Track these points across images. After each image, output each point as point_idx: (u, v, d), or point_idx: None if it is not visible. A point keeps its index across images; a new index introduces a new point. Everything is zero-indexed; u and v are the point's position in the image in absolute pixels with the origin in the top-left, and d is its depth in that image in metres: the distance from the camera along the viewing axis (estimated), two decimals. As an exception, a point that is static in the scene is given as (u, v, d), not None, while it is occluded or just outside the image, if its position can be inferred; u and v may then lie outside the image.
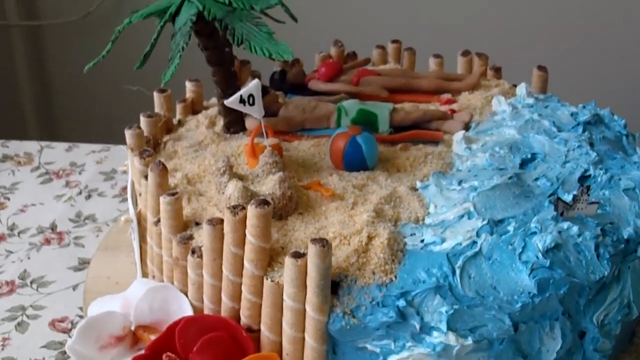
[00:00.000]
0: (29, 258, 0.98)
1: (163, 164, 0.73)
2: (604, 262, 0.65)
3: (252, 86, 0.73)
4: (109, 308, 0.72)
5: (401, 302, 0.63)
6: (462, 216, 0.69)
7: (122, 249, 0.90)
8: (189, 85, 0.94)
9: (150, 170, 0.73)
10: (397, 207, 0.72)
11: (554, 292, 0.63)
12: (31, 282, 0.93)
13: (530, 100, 0.91)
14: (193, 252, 0.69)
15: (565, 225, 0.66)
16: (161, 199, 0.70)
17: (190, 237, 0.70)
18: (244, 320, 0.68)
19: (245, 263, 0.66)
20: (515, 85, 0.96)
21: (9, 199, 1.10)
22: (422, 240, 0.67)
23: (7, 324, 0.86)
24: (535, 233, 0.66)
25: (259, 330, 0.67)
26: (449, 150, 0.83)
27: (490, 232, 0.66)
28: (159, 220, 0.73)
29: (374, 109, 0.87)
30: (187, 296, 0.71)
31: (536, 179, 0.75)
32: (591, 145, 0.80)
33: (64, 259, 0.96)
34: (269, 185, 0.70)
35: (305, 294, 0.64)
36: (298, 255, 0.63)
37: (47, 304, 0.89)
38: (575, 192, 0.69)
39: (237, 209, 0.65)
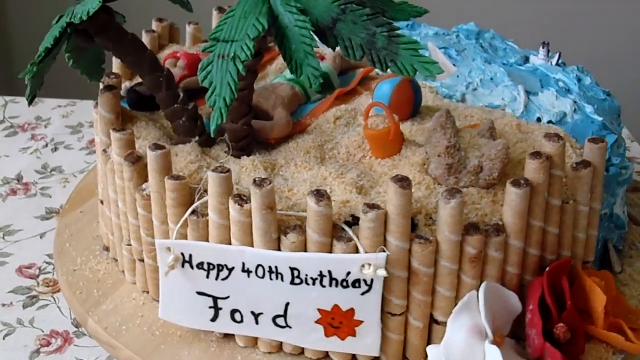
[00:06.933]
0: (-6, 208, 0.95)
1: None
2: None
3: (432, 48, 0.63)
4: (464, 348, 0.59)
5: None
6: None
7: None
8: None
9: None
10: (490, 115, 0.77)
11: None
12: (-3, 231, 0.92)
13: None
14: (497, 231, 0.61)
15: (570, 68, 0.85)
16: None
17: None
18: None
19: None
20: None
21: (-29, 153, 1.03)
22: (539, 119, 0.77)
23: (-25, 271, 0.85)
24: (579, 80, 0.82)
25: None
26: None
27: (562, 95, 0.80)
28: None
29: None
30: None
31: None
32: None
33: (30, 208, 0.96)
34: (494, 149, 0.65)
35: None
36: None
37: (14, 251, 0.88)
38: (543, 48, 0.86)
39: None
